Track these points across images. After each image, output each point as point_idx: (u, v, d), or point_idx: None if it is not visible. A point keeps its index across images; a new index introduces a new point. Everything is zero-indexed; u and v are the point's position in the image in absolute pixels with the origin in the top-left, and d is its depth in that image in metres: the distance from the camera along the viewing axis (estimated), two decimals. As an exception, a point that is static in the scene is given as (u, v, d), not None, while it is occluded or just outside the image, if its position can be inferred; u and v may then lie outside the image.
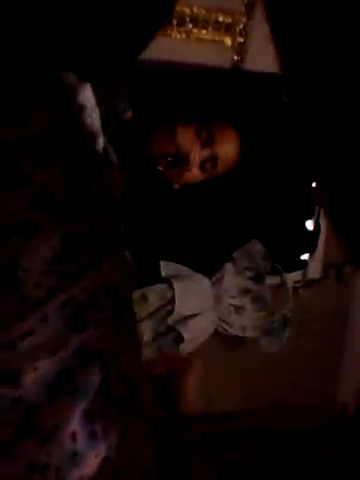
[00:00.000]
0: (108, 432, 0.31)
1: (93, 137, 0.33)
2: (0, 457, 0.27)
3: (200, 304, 1.40)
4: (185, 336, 1.36)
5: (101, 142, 0.34)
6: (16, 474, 0.27)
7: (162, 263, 1.38)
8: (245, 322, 1.48)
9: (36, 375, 0.28)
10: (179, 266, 1.40)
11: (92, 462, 0.30)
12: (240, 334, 1.49)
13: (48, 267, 0.28)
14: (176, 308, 1.35)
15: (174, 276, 1.38)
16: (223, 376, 1.54)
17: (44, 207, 0.28)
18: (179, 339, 1.36)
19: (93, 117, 0.33)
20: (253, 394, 1.54)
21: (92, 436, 0.30)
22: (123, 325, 0.34)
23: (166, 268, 1.38)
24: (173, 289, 1.36)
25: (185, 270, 1.41)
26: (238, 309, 1.48)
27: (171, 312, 1.35)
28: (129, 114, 1.19)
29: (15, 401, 0.27)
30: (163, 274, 1.37)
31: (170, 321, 1.35)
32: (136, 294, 1.32)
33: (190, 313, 1.38)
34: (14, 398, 0.27)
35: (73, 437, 0.29)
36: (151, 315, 1.33)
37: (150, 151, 1.19)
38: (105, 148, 0.35)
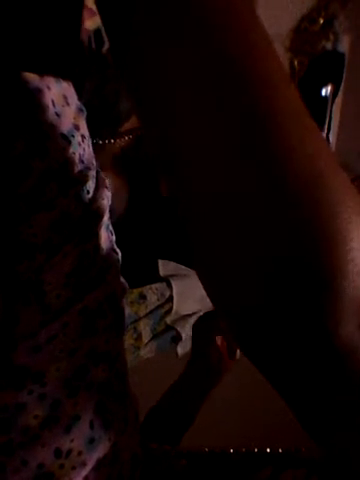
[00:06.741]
0: (115, 420, 0.35)
1: (93, 163, 0.37)
2: (30, 445, 0.31)
3: (198, 303, 1.40)
4: (183, 335, 1.36)
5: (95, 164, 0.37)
6: (45, 459, 0.31)
7: (160, 262, 1.38)
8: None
9: (58, 374, 0.32)
10: (178, 265, 1.40)
11: (106, 445, 0.34)
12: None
13: (66, 280, 0.32)
14: (174, 307, 1.35)
15: (172, 275, 1.38)
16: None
17: (63, 229, 0.32)
18: (177, 338, 1.37)
19: (90, 145, 0.37)
20: (253, 392, 1.53)
21: (105, 424, 0.34)
22: (121, 329, 0.38)
23: (164, 267, 1.38)
24: (171, 288, 1.36)
25: (184, 269, 1.41)
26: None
27: (169, 311, 1.35)
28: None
29: (41, 396, 0.31)
30: (161, 273, 1.37)
31: (168, 320, 1.35)
32: (134, 293, 1.32)
33: (188, 312, 1.38)
34: (40, 394, 0.31)
35: (91, 425, 0.33)
36: (149, 314, 1.34)
37: None
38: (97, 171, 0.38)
